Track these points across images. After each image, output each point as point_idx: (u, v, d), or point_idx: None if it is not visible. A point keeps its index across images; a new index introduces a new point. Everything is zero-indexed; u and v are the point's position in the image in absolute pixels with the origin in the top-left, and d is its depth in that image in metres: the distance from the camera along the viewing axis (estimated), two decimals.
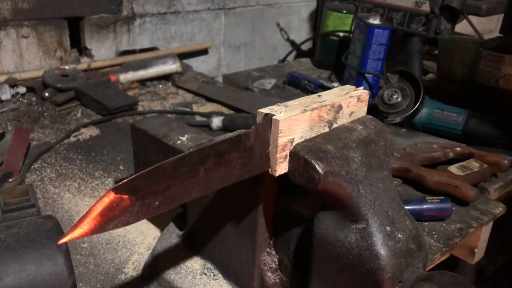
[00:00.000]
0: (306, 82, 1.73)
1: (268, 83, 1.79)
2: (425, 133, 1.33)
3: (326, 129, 0.61)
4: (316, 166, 0.54)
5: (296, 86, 1.78)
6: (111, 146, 1.23)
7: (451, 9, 1.60)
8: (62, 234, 0.63)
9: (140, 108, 1.49)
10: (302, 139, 0.58)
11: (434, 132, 1.33)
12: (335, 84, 1.76)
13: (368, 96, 0.66)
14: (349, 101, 0.63)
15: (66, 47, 1.65)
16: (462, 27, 1.75)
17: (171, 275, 0.73)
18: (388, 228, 0.56)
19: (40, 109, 1.42)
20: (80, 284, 0.77)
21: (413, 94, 1.31)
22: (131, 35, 1.78)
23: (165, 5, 1.83)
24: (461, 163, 1.06)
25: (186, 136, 0.83)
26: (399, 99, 1.30)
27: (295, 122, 0.56)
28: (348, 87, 0.67)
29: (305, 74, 1.87)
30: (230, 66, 2.16)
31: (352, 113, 0.64)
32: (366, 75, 1.64)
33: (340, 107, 0.62)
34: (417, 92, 1.30)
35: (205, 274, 0.73)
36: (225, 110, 1.50)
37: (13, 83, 1.46)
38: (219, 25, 2.05)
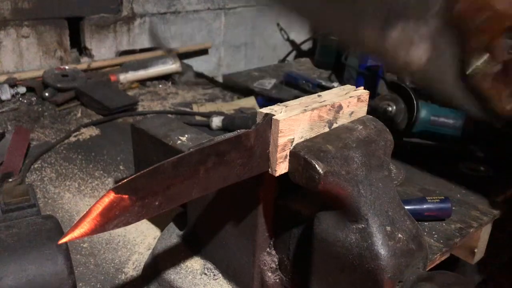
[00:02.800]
0: (304, 82, 1.73)
1: (268, 83, 1.79)
2: (424, 138, 1.32)
3: (326, 129, 0.61)
4: (316, 166, 0.54)
5: (294, 86, 1.78)
6: (111, 146, 1.23)
7: None
8: (62, 234, 0.63)
9: (140, 108, 1.49)
10: (302, 139, 0.58)
11: (433, 136, 1.32)
12: (335, 84, 1.77)
13: (368, 96, 0.66)
14: (349, 101, 0.63)
15: (66, 47, 1.65)
16: None
17: (171, 275, 0.73)
18: (388, 228, 0.56)
19: (40, 109, 1.42)
20: (80, 284, 0.77)
21: (406, 103, 1.29)
22: (131, 35, 1.78)
23: (165, 5, 1.83)
24: None
25: (186, 136, 0.83)
26: (394, 111, 1.28)
27: (295, 122, 0.56)
28: (348, 87, 0.67)
29: (304, 74, 1.87)
30: (230, 66, 2.16)
31: (352, 113, 0.64)
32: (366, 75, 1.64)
33: (340, 107, 0.62)
34: (409, 99, 1.29)
35: (205, 274, 0.73)
36: (225, 110, 1.50)
37: (13, 83, 1.46)
38: (219, 25, 2.05)
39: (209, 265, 0.74)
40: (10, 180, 0.97)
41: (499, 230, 1.05)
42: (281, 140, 0.56)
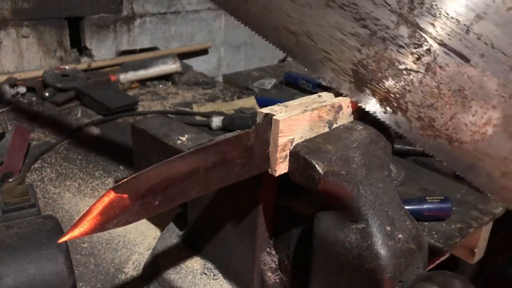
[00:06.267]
0: (304, 82, 1.73)
1: (268, 83, 1.79)
2: None
3: (326, 129, 0.61)
4: (316, 166, 0.54)
5: (294, 86, 1.77)
6: (111, 146, 1.23)
7: None
8: (62, 234, 0.63)
9: (140, 108, 1.49)
10: (302, 139, 0.58)
11: None
12: None
13: None
14: (349, 101, 0.63)
15: (66, 47, 1.65)
16: None
17: (171, 275, 0.73)
18: (388, 228, 0.56)
19: (40, 109, 1.42)
20: (80, 284, 0.77)
21: None
22: (131, 35, 1.78)
23: (165, 5, 1.83)
24: None
25: (186, 136, 0.83)
26: None
27: (295, 122, 0.56)
28: None
29: (305, 74, 1.87)
30: (230, 66, 2.16)
31: (352, 113, 0.64)
32: None
33: (340, 107, 0.62)
34: None
35: (205, 274, 0.73)
36: (225, 110, 1.50)
37: (13, 83, 1.46)
38: (219, 25, 2.05)
39: (209, 265, 0.74)
40: (10, 180, 0.97)
41: (499, 230, 1.05)
42: (281, 140, 0.56)
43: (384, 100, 0.56)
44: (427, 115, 0.54)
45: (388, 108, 0.57)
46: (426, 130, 0.54)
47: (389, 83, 0.56)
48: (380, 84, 0.56)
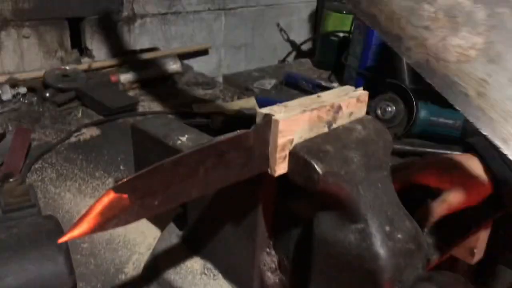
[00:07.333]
0: (304, 82, 1.74)
1: (268, 83, 1.79)
2: (423, 138, 1.32)
3: (326, 130, 0.61)
4: (316, 166, 0.54)
5: (294, 86, 1.78)
6: (111, 146, 1.24)
7: None
8: (62, 234, 0.63)
9: (140, 108, 1.49)
10: (302, 139, 0.58)
11: (433, 136, 1.31)
12: (335, 85, 1.77)
13: (367, 97, 0.66)
14: (348, 102, 0.63)
15: (67, 47, 1.65)
16: None
17: (171, 275, 0.73)
18: (387, 228, 0.56)
19: (40, 109, 1.42)
20: (81, 284, 0.77)
21: (405, 104, 1.29)
22: (132, 36, 1.78)
23: (165, 6, 1.83)
24: None
25: (186, 136, 0.83)
26: (393, 112, 1.28)
27: (294, 123, 0.56)
28: (347, 87, 0.67)
29: (304, 74, 1.87)
30: (231, 66, 2.16)
31: (351, 113, 0.64)
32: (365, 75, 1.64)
33: (339, 108, 0.62)
34: (409, 100, 1.29)
35: (205, 274, 0.73)
36: (225, 110, 1.50)
37: (14, 83, 1.46)
38: (220, 25, 2.05)
39: (209, 265, 0.74)
40: (11, 180, 0.97)
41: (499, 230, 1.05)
42: (281, 140, 0.56)
43: (389, 19, 0.58)
44: (421, 35, 0.57)
45: (390, 28, 0.59)
46: (418, 48, 0.58)
47: (395, 4, 0.58)
48: (388, 4, 0.59)
